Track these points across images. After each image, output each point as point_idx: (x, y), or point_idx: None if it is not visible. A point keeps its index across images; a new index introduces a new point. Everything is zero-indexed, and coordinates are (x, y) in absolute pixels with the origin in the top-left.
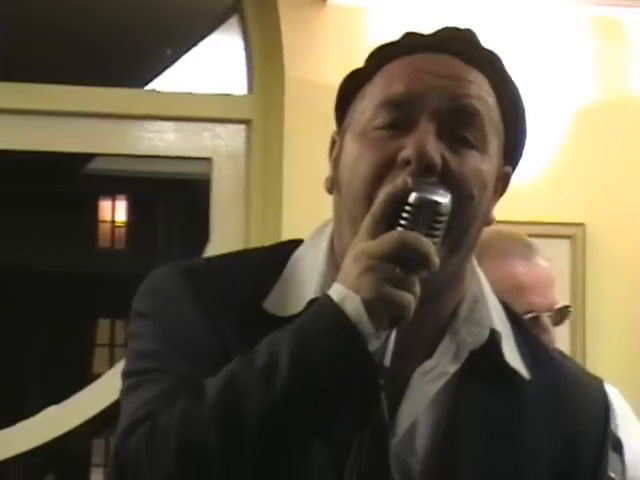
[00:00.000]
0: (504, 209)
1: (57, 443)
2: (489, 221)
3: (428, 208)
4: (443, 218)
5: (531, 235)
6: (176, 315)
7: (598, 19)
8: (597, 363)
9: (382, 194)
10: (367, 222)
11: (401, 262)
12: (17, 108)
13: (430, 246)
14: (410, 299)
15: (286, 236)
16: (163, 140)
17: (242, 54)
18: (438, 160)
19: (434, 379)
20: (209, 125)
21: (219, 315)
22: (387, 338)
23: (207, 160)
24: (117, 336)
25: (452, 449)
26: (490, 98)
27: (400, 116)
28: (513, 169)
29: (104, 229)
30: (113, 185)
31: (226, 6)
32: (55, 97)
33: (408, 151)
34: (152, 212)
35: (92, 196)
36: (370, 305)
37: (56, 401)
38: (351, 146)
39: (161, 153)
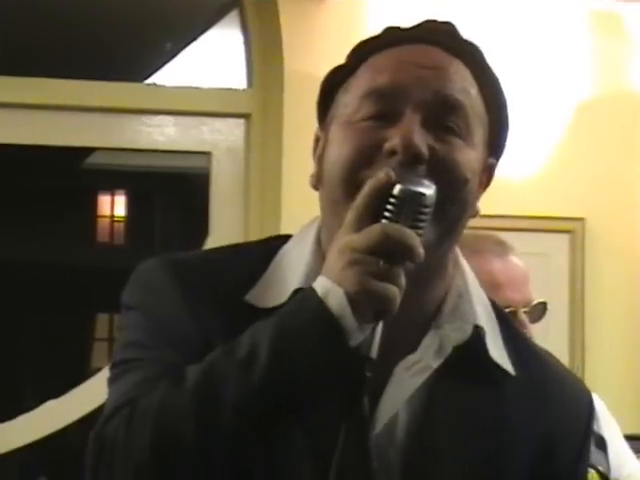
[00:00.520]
0: (503, 204)
1: (55, 438)
2: (475, 213)
3: (412, 200)
4: (428, 209)
5: (531, 230)
6: (162, 307)
7: (597, 13)
8: (596, 357)
9: (366, 187)
10: (351, 215)
11: (385, 255)
12: (16, 102)
13: (414, 238)
14: (395, 292)
15: (285, 230)
16: (162, 134)
17: (242, 48)
18: (425, 149)
19: (417, 373)
20: (208, 119)
21: (203, 307)
22: (374, 330)
23: (206, 154)
24: (116, 331)
25: (429, 442)
26: (473, 89)
27: (385, 107)
28: (497, 161)
29: (103, 224)
30: (112, 179)
31: (226, 1)
32: (54, 91)
33: (394, 141)
34: (151, 206)
35: (91, 190)
36: (354, 299)
37: (54, 395)
38: (335, 139)
39: (160, 147)
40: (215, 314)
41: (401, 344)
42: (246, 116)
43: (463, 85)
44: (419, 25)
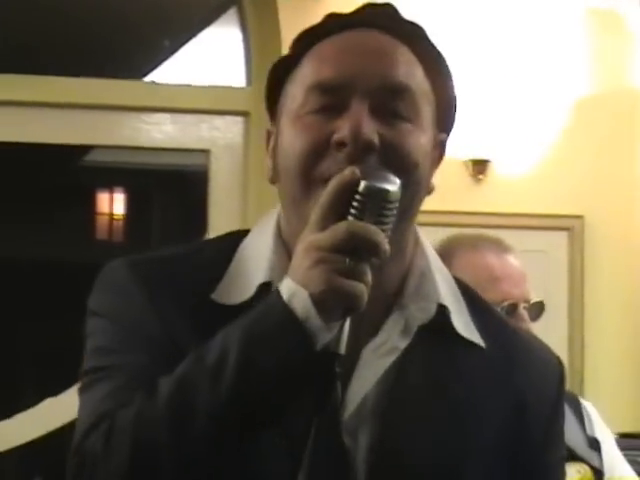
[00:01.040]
0: (502, 201)
1: (51, 437)
2: (429, 190)
3: (378, 196)
4: (393, 205)
5: (529, 227)
6: (127, 309)
7: (596, 11)
8: (595, 354)
9: (330, 185)
10: (316, 214)
11: (351, 252)
12: (14, 100)
13: (379, 234)
14: (362, 289)
15: None
16: (161, 132)
17: (240, 46)
18: (375, 138)
19: (384, 355)
20: (207, 117)
21: (170, 308)
22: (342, 326)
23: (205, 152)
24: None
25: (399, 420)
26: (417, 70)
27: (332, 99)
28: (447, 135)
29: (102, 221)
30: (111, 177)
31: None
32: (53, 89)
33: (343, 133)
34: (150, 204)
35: (90, 188)
36: (320, 299)
37: (53, 393)
38: (286, 132)
39: (159, 145)
40: (182, 314)
41: (365, 326)
42: (245, 114)
43: (407, 68)
44: (360, 10)
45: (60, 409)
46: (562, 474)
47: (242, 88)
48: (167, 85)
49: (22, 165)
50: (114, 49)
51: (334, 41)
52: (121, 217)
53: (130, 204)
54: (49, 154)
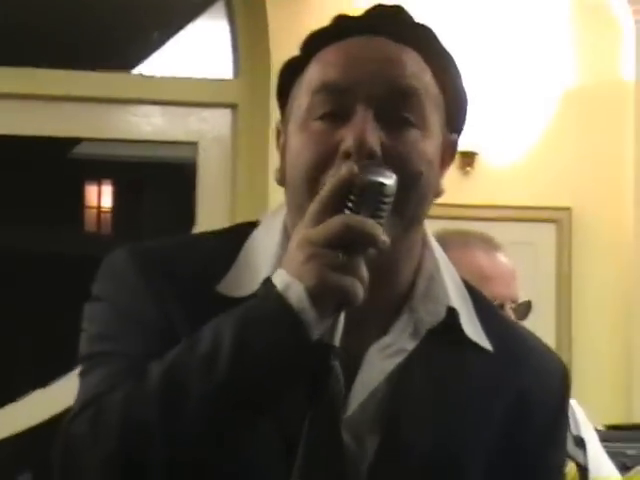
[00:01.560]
0: (490, 193)
1: (41, 429)
2: (439, 193)
3: (374, 190)
4: (389, 199)
5: (517, 219)
6: (126, 297)
7: (583, 1)
8: (583, 347)
9: (328, 182)
10: (312, 209)
11: (346, 246)
12: (3, 92)
13: (376, 226)
14: (354, 284)
15: None
16: (149, 124)
17: (228, 38)
18: (377, 148)
19: (391, 356)
20: (195, 109)
21: (169, 298)
22: (336, 318)
23: (193, 144)
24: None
25: (404, 421)
26: (425, 73)
27: (337, 105)
28: (458, 135)
29: (90, 214)
30: (99, 169)
31: None
32: (41, 81)
33: (347, 143)
34: (138, 196)
35: (78, 181)
36: (314, 293)
37: (43, 384)
38: (293, 138)
39: (147, 137)
40: (181, 304)
41: (373, 327)
42: (233, 106)
43: (414, 73)
44: (369, 13)
45: (49, 400)
46: (563, 476)
47: (230, 80)
48: (155, 77)
49: (10, 158)
50: (102, 41)
51: (341, 46)
52: (109, 210)
53: (118, 196)
54: (37, 147)
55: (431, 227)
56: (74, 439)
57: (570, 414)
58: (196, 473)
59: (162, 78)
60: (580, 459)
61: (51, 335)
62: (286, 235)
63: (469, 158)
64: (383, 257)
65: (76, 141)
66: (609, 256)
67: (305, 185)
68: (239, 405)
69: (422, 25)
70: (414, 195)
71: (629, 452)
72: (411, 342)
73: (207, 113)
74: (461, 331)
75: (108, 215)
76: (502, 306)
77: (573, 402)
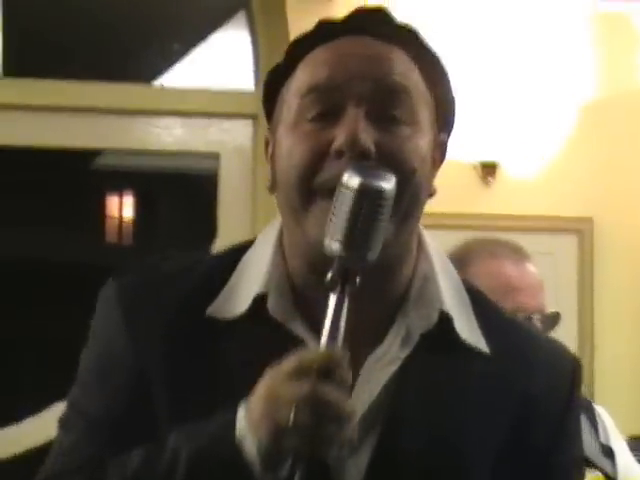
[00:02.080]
0: (511, 204)
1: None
2: (431, 192)
3: (374, 195)
4: (389, 202)
5: (538, 230)
6: (107, 336)
7: (604, 13)
8: (605, 357)
9: (298, 358)
10: (289, 364)
11: (313, 411)
12: (26, 104)
13: (343, 402)
14: (317, 449)
15: None
16: (171, 135)
17: (249, 49)
18: (371, 145)
19: (387, 365)
20: (216, 120)
21: (151, 337)
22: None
23: (214, 155)
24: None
25: (401, 429)
26: (413, 72)
27: (327, 105)
28: (448, 135)
29: (111, 224)
30: (120, 180)
31: (233, 1)
32: (63, 93)
33: (340, 141)
34: (159, 207)
35: (100, 192)
36: (266, 452)
37: (62, 397)
38: (284, 141)
39: (169, 148)
40: (171, 338)
41: (368, 334)
42: (254, 117)
43: (402, 70)
44: (352, 15)
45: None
46: (579, 474)
47: (251, 91)
48: (176, 89)
49: (33, 169)
50: (123, 53)
51: (327, 48)
52: (131, 220)
53: (139, 207)
54: (59, 158)
55: (453, 237)
56: None
57: (599, 422)
58: None
59: (183, 89)
60: (608, 469)
61: (72, 346)
62: (279, 249)
63: (490, 169)
64: (379, 263)
65: (97, 152)
66: (630, 266)
67: (298, 186)
68: None
69: (406, 26)
70: (408, 193)
71: None
72: (404, 349)
73: (228, 124)
74: (456, 335)
75: (129, 226)
76: (529, 318)
77: (602, 411)
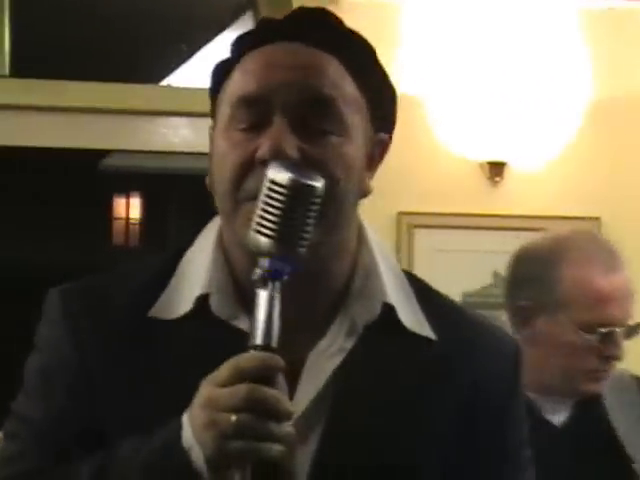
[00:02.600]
0: (519, 204)
1: None
2: (365, 192)
3: (306, 193)
4: (318, 200)
5: (546, 230)
6: (51, 344)
7: (613, 10)
8: None
9: (251, 361)
10: (224, 372)
11: (252, 413)
12: (32, 105)
13: (281, 401)
14: (257, 450)
15: None
16: (177, 136)
17: None
18: (295, 154)
19: (332, 356)
20: None
21: (94, 343)
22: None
23: None
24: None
25: (351, 419)
26: (343, 79)
27: (255, 116)
28: (388, 134)
29: (118, 225)
30: (128, 181)
31: (240, 2)
32: (70, 93)
33: (263, 150)
34: (166, 208)
35: (107, 192)
36: (212, 460)
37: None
38: (218, 145)
39: (175, 149)
40: (114, 342)
41: (312, 328)
42: None
43: (330, 79)
44: (290, 18)
45: None
46: (526, 456)
47: None
48: (184, 89)
49: (39, 170)
50: (130, 54)
51: (260, 54)
52: (138, 221)
53: (147, 208)
54: (67, 159)
55: (461, 236)
56: None
57: None
58: None
59: (190, 90)
60: None
61: None
62: (219, 248)
63: (498, 168)
64: (312, 263)
65: (104, 153)
66: (638, 265)
67: (228, 193)
68: None
69: (344, 29)
70: (333, 200)
71: None
72: (349, 340)
73: None
74: (401, 325)
75: (136, 227)
76: (613, 333)
77: None
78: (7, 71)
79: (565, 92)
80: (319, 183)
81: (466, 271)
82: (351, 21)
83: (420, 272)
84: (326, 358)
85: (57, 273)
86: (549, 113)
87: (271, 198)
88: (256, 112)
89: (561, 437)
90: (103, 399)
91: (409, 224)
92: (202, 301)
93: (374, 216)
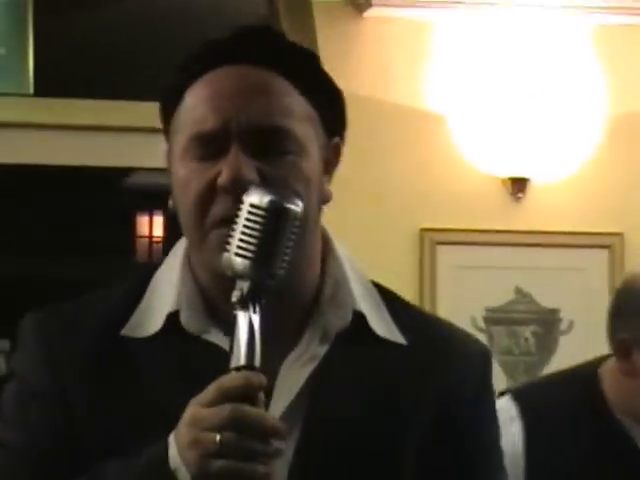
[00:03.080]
0: (541, 219)
1: None
2: (325, 199)
3: (290, 217)
4: (299, 222)
5: (569, 245)
6: (28, 372)
7: (630, 27)
8: None
9: (235, 380)
10: (209, 393)
11: (236, 432)
12: (56, 123)
13: (265, 420)
14: (246, 468)
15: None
16: None
17: None
18: (254, 178)
19: (305, 364)
20: None
21: (71, 364)
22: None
23: None
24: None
25: (324, 426)
26: (292, 97)
27: (213, 148)
28: (341, 134)
29: (142, 243)
30: (151, 199)
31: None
32: (93, 112)
33: (223, 179)
34: None
35: (130, 210)
36: (198, 477)
37: None
38: (176, 171)
39: None
40: (90, 364)
41: (284, 337)
42: None
43: (281, 103)
44: (234, 39)
45: None
46: (498, 456)
47: None
48: None
49: (63, 188)
50: (153, 71)
51: (209, 82)
52: (161, 239)
53: (170, 226)
54: (90, 177)
55: (483, 253)
56: None
57: None
58: None
59: None
60: None
61: None
62: (187, 267)
63: (521, 184)
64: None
65: (128, 171)
66: None
67: (193, 220)
68: None
69: (285, 44)
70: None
71: None
72: (322, 347)
73: None
74: (370, 331)
75: (160, 245)
76: None
77: None
78: (31, 90)
79: (585, 108)
80: (299, 206)
81: (489, 287)
82: (378, 38)
83: (443, 288)
84: (299, 367)
85: (81, 291)
86: (570, 129)
87: (250, 221)
88: (213, 146)
89: None
90: (80, 420)
91: (432, 241)
92: (173, 318)
93: (397, 233)
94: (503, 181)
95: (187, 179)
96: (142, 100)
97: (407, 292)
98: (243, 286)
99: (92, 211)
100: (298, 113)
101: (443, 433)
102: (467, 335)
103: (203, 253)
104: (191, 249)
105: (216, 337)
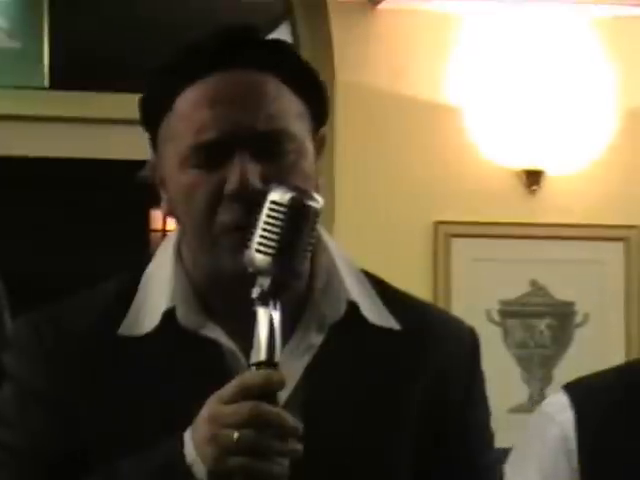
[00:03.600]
0: (557, 212)
1: None
2: (317, 190)
3: (312, 214)
4: (318, 219)
5: (585, 238)
6: (28, 375)
7: None
8: None
9: (256, 378)
10: (229, 389)
11: (255, 430)
12: (71, 116)
13: (285, 418)
14: (263, 466)
15: (338, 242)
16: None
17: None
18: (259, 185)
19: (301, 354)
20: None
21: (70, 365)
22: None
23: None
24: None
25: (321, 414)
26: (285, 97)
27: (215, 155)
28: (324, 123)
29: (156, 237)
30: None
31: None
32: (107, 105)
33: (232, 186)
34: None
35: (144, 204)
36: (214, 475)
37: None
38: (175, 179)
39: None
40: (89, 363)
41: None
42: None
43: (277, 105)
44: (220, 41)
45: None
46: (489, 436)
47: None
48: None
49: (76, 181)
50: None
51: (201, 91)
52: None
53: None
54: (103, 170)
55: (499, 245)
56: None
57: None
58: None
59: None
60: None
61: None
62: (179, 263)
63: (535, 177)
64: None
65: (142, 165)
66: None
67: (200, 227)
68: None
69: (268, 42)
70: None
71: None
72: (317, 337)
73: None
74: (365, 319)
75: None
76: None
77: None
78: (47, 83)
79: (600, 100)
80: (318, 204)
81: (503, 280)
82: (392, 30)
83: (458, 281)
84: (296, 357)
85: (94, 284)
86: (585, 120)
87: (272, 217)
88: (215, 153)
89: None
90: (80, 419)
91: (446, 233)
92: (168, 314)
93: (411, 225)
94: (518, 173)
95: (191, 187)
96: None
97: (422, 285)
98: (264, 282)
99: (105, 205)
100: (293, 112)
101: (440, 415)
102: (456, 318)
103: (213, 257)
104: (196, 252)
105: (213, 332)
